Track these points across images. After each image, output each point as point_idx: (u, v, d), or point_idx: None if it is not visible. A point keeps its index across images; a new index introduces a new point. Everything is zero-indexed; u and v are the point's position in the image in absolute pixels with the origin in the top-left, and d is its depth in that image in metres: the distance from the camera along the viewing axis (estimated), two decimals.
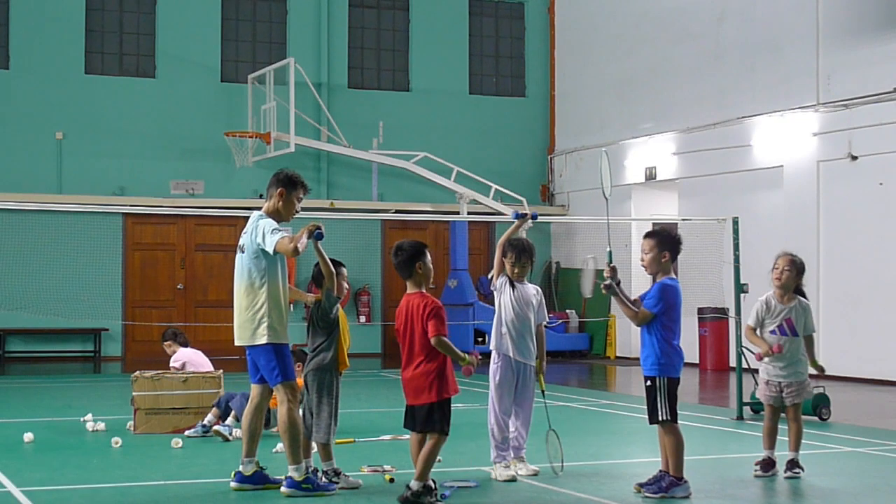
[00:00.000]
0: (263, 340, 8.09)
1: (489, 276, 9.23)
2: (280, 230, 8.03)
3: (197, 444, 10.67)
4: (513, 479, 8.65)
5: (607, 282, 8.12)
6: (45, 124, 22.67)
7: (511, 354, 8.91)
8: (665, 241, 8.28)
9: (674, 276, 8.28)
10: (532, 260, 9.04)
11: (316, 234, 7.86)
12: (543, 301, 9.16)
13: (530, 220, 9.07)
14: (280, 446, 9.94)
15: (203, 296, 23.34)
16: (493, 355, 9.01)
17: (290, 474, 8.06)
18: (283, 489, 8.05)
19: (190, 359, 12.24)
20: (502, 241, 8.97)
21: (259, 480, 8.28)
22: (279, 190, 8.30)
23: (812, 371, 9.18)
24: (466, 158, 24.41)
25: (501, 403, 8.92)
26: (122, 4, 23.69)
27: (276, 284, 8.15)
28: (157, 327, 22.07)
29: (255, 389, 8.40)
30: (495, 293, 9.06)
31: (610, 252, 8.37)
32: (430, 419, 7.59)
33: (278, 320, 8.13)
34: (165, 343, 12.60)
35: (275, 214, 8.28)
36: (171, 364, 12.22)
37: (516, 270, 8.96)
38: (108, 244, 22.59)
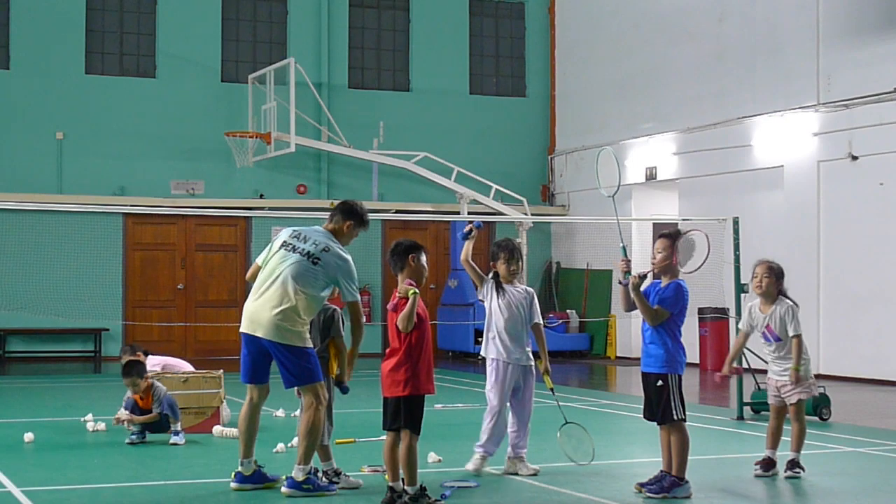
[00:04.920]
0: (303, 344, 8.14)
1: (487, 274, 9.22)
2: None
3: (197, 444, 10.68)
4: (477, 474, 8.78)
5: (636, 279, 8.07)
6: (45, 124, 22.67)
7: (505, 359, 8.93)
8: (679, 241, 8.32)
9: (682, 278, 8.29)
10: (521, 256, 9.10)
11: None
12: (536, 301, 9.17)
13: (475, 231, 9.01)
14: (281, 446, 9.97)
15: (203, 296, 23.34)
16: (488, 361, 9.04)
17: (293, 473, 8.07)
18: (283, 489, 8.06)
19: (166, 361, 11.98)
20: (465, 258, 8.93)
21: (259, 479, 8.31)
22: (348, 222, 8.50)
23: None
24: (466, 158, 24.41)
25: (496, 404, 8.95)
26: (122, 4, 23.69)
27: (322, 303, 8.34)
28: (157, 327, 22.11)
29: (252, 390, 8.41)
30: (484, 302, 9.07)
31: (624, 247, 8.36)
32: (397, 414, 7.58)
33: (308, 329, 8.27)
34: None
35: (334, 235, 8.46)
36: (150, 369, 11.57)
37: (512, 269, 8.98)
38: (108, 244, 22.60)
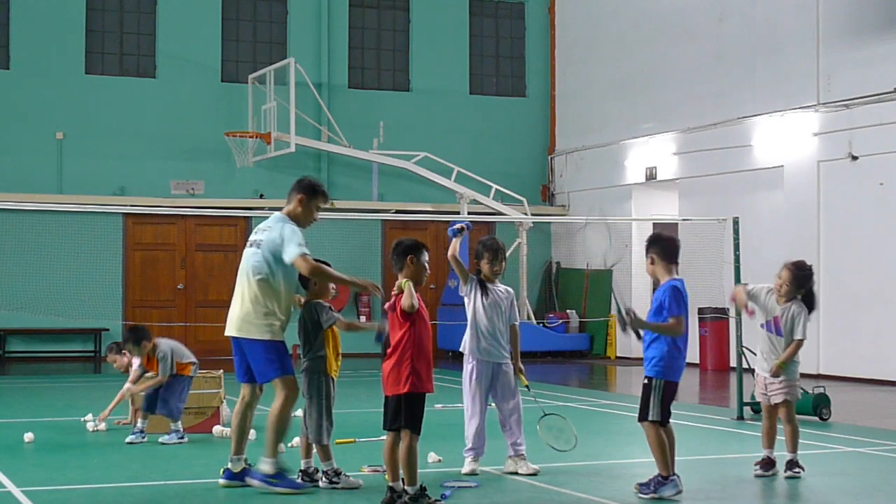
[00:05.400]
0: (267, 337, 8.19)
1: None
2: (304, 245, 8.15)
3: (197, 444, 10.67)
4: (473, 473, 8.80)
5: (630, 318, 8.07)
6: (45, 124, 22.67)
7: (486, 358, 8.95)
8: (649, 244, 8.34)
9: (677, 277, 8.27)
10: (506, 256, 9.11)
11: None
12: (515, 301, 9.23)
13: (466, 231, 9.06)
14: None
15: (203, 296, 23.33)
16: (466, 358, 9.05)
17: (260, 465, 8.17)
18: (248, 479, 8.19)
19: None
20: (452, 255, 8.90)
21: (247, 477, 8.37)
22: (299, 196, 8.45)
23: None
24: (466, 158, 24.41)
25: (475, 405, 8.97)
26: (122, 4, 23.70)
27: (291, 285, 8.31)
28: (157, 327, 22.05)
29: (245, 388, 8.49)
30: (466, 299, 9.09)
31: (619, 309, 8.33)
32: (397, 414, 7.59)
33: (283, 320, 8.27)
34: (114, 355, 11.84)
35: (293, 219, 8.42)
36: (137, 369, 11.37)
37: (495, 269, 9.01)
38: (108, 244, 22.60)
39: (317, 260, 8.29)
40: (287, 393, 8.21)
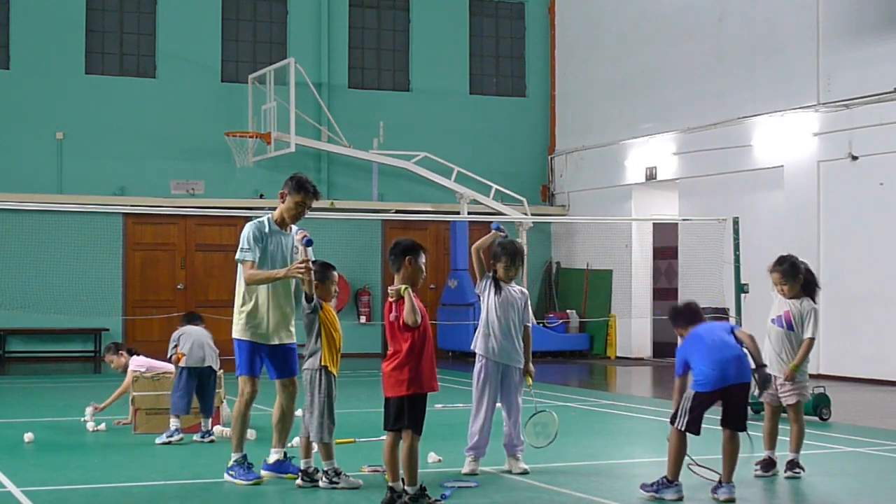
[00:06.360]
0: (237, 335, 8.49)
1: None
2: (249, 248, 8.32)
3: (197, 444, 10.66)
4: (473, 473, 8.81)
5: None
6: (45, 124, 22.67)
7: (496, 358, 8.95)
8: (672, 322, 8.46)
9: (690, 334, 8.29)
10: (523, 262, 9.15)
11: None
12: (529, 302, 9.26)
13: (502, 235, 9.10)
14: (296, 440, 9.98)
15: (204, 296, 23.31)
16: (477, 356, 9.06)
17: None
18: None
19: (152, 364, 11.67)
20: (476, 247, 8.96)
21: (282, 469, 8.61)
22: (281, 192, 8.58)
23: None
24: (467, 158, 24.41)
25: (481, 404, 8.97)
26: (122, 4, 23.69)
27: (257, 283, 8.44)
28: (157, 327, 22.08)
29: (278, 385, 8.67)
30: (480, 297, 9.11)
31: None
32: (400, 415, 7.59)
33: (260, 318, 8.43)
34: (111, 355, 11.83)
35: (278, 217, 8.52)
36: (134, 370, 11.48)
37: (511, 274, 9.02)
38: (108, 244, 22.59)
39: (324, 264, 8.42)
40: (241, 390, 8.48)
